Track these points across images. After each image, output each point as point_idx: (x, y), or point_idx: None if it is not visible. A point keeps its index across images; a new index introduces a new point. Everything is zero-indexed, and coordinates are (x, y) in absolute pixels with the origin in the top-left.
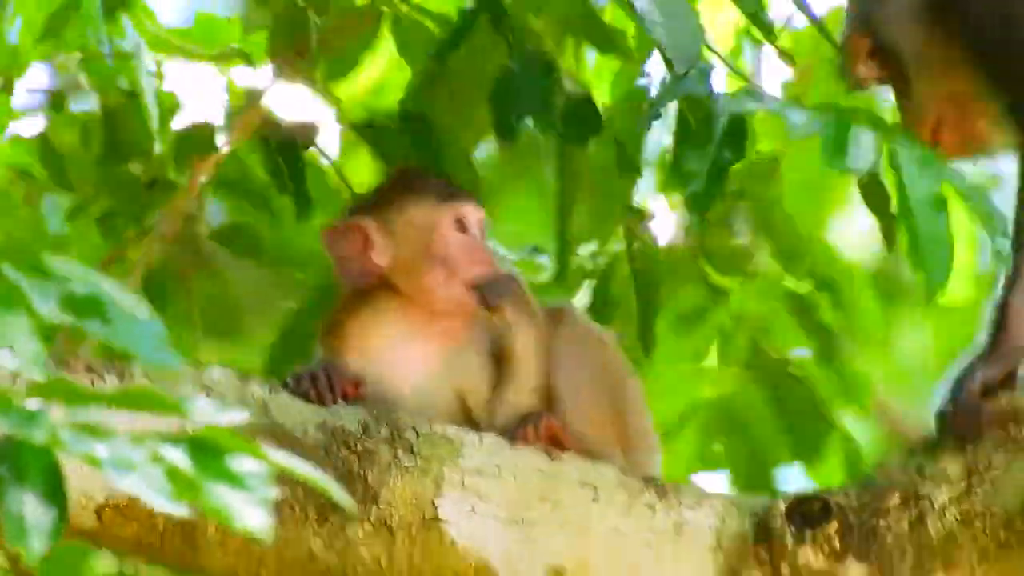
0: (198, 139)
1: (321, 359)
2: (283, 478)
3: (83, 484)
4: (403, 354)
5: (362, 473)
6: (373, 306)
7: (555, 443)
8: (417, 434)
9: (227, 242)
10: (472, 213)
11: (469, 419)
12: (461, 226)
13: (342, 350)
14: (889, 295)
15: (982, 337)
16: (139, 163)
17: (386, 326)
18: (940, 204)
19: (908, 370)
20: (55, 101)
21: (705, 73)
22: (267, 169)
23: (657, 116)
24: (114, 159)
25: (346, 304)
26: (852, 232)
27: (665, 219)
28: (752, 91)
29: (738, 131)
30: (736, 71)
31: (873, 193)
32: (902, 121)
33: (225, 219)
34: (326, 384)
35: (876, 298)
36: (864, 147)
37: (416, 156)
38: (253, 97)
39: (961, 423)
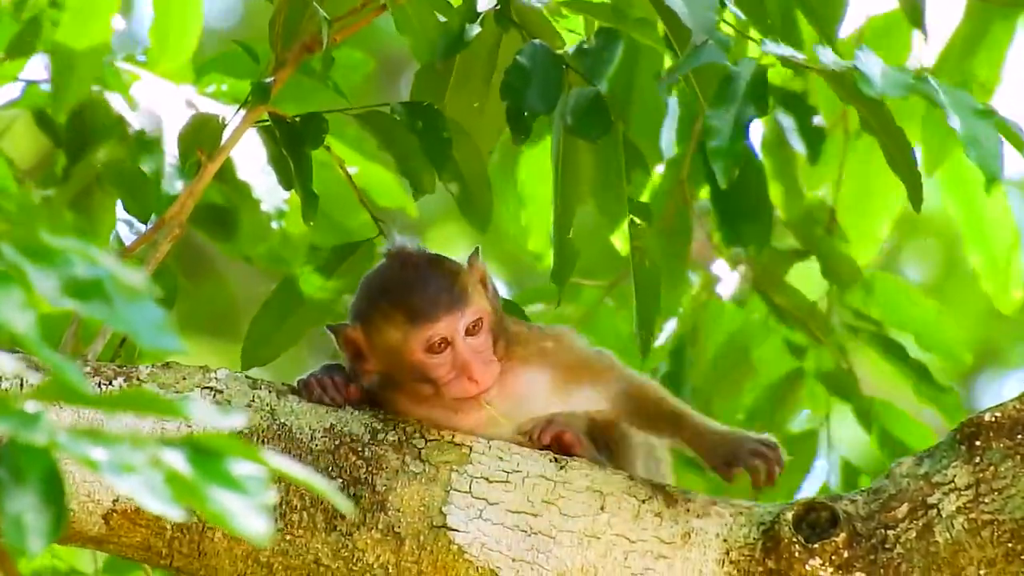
0: (204, 132)
1: (325, 364)
2: (291, 486)
3: (90, 490)
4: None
5: (369, 479)
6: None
7: (564, 450)
8: (425, 440)
9: (202, 223)
10: (443, 331)
11: None
12: (434, 347)
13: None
14: None
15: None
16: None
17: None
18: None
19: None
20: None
21: (724, 44)
22: (273, 166)
23: (674, 81)
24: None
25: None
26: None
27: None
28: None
29: (760, 89)
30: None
31: (898, 150)
32: None
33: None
34: (333, 387)
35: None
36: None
37: (425, 149)
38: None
39: None
